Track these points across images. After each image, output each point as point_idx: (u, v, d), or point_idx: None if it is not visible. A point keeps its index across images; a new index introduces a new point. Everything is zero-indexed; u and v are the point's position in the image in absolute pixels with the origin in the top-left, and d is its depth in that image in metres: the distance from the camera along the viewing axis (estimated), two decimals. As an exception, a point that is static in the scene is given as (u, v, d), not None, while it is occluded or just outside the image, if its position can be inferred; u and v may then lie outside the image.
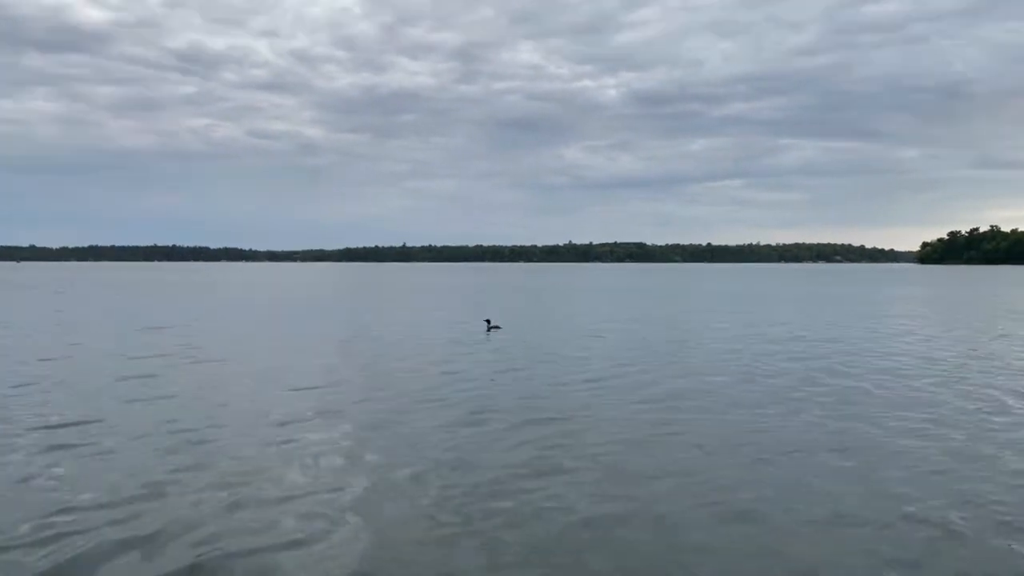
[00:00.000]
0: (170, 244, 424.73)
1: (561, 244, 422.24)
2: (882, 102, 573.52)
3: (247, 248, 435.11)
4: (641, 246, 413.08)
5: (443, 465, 8.96)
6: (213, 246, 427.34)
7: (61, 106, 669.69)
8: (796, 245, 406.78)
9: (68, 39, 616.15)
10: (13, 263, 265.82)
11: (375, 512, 7.40)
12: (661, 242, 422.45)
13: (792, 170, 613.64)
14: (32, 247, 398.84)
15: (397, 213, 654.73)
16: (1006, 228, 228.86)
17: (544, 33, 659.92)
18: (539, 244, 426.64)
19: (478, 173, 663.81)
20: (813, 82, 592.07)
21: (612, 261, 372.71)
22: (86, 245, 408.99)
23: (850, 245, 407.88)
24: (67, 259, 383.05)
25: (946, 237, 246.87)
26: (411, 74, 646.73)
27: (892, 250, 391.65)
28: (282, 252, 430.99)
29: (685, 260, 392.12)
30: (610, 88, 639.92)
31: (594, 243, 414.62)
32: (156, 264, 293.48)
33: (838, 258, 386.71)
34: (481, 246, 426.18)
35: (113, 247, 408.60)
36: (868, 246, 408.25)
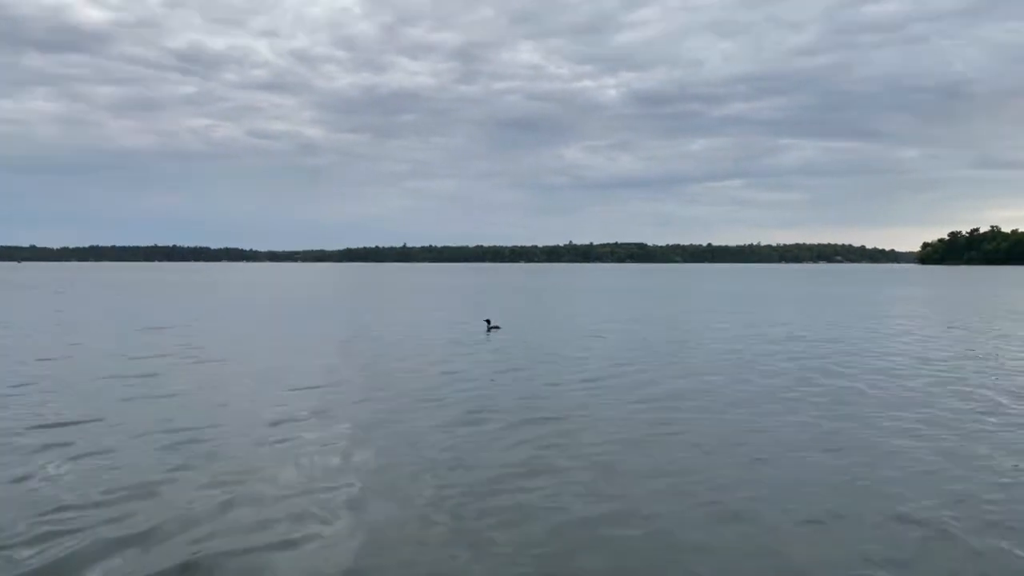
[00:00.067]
0: (170, 244, 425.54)
1: (561, 244, 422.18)
2: (882, 102, 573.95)
3: (248, 248, 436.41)
4: (642, 246, 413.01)
5: (440, 465, 9.00)
6: (214, 246, 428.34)
7: (61, 106, 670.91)
8: (796, 245, 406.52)
9: (68, 39, 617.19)
10: (13, 263, 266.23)
11: (370, 511, 7.44)
12: (661, 242, 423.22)
13: (792, 170, 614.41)
14: (32, 247, 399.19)
15: (397, 213, 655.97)
16: (1006, 228, 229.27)
17: (544, 33, 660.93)
18: (539, 244, 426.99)
19: (478, 173, 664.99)
20: (813, 82, 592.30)
21: (613, 261, 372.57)
22: (86, 245, 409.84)
23: (850, 245, 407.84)
24: (67, 259, 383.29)
25: (947, 237, 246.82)
26: (411, 74, 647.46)
27: (893, 250, 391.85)
28: (283, 252, 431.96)
29: (685, 260, 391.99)
30: (610, 88, 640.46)
31: (594, 243, 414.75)
32: (156, 264, 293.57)
33: (839, 258, 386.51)
34: (481, 246, 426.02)
35: (113, 247, 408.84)
36: (868, 246, 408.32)
